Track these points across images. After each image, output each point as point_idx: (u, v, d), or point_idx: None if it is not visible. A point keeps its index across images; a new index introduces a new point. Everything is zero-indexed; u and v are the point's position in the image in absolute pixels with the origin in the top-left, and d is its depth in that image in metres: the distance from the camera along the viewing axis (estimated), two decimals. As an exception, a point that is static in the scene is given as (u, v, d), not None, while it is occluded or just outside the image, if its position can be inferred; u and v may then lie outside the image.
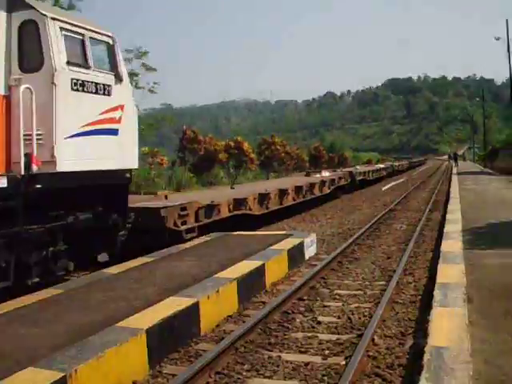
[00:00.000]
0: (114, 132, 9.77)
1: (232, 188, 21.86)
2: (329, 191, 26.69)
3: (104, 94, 9.47)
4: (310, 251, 12.46)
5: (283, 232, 14.63)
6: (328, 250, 13.23)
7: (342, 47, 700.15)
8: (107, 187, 9.72)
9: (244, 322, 7.66)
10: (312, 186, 23.89)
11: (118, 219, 10.28)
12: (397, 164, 65.76)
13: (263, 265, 9.65)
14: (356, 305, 8.54)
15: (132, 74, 40.59)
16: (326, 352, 6.55)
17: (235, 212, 15.74)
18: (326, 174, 30.28)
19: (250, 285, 8.99)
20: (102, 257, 10.92)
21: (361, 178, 35.65)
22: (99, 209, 9.85)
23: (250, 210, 16.85)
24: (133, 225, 11.02)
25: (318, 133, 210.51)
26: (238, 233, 13.79)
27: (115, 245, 10.41)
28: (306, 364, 6.19)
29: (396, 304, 8.41)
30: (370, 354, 6.33)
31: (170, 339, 6.58)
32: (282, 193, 19.95)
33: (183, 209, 12.97)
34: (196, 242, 12.60)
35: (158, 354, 6.27)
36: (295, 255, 11.42)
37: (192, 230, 13.27)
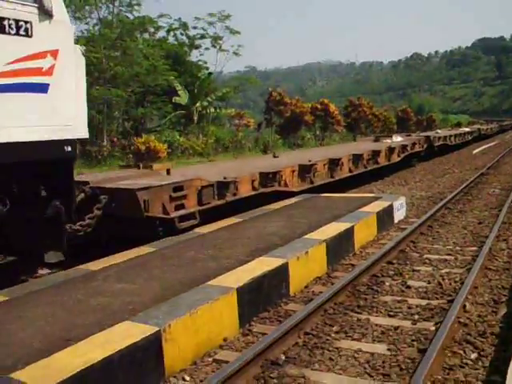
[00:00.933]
0: (40, 88, 6.81)
1: (275, 157, 18.52)
2: (399, 159, 23.09)
3: (17, 33, 6.40)
4: (399, 214, 12.28)
5: (372, 195, 14.49)
6: (418, 214, 13.01)
7: (429, 6, 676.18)
8: (34, 166, 6.94)
9: (333, 284, 7.66)
10: (376, 153, 20.47)
11: (60, 207, 7.44)
12: (485, 128, 59.41)
13: (352, 227, 9.58)
14: (447, 270, 8.37)
15: (216, 38, 41.01)
16: (416, 317, 6.47)
17: (262, 190, 12.57)
18: (397, 138, 27.04)
19: (339, 247, 8.97)
20: (50, 257, 8.30)
21: (440, 143, 31.71)
22: (26, 194, 7.20)
23: (286, 185, 13.82)
24: (105, 212, 8.80)
25: (405, 94, 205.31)
26: (326, 194, 13.73)
27: (61, 240, 7.66)
28: (396, 328, 6.14)
29: (489, 271, 8.19)
30: (461, 320, 6.20)
31: (259, 299, 6.65)
32: (334, 163, 16.53)
33: (177, 189, 9.93)
34: (284, 203, 12.62)
35: (248, 312, 6.37)
36: (384, 218, 11.29)
37: (191, 216, 10.13)
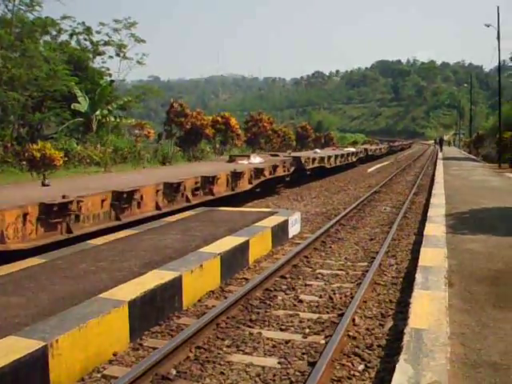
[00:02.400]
0: None
1: (45, 185, 12.70)
2: (250, 187, 18.11)
3: None
4: (293, 229, 12.49)
5: (268, 209, 14.64)
6: (312, 229, 13.28)
7: (333, 28, 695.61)
8: None
9: (226, 297, 7.69)
10: (210, 180, 15.14)
11: None
12: (373, 148, 54.86)
13: (247, 241, 9.67)
14: (338, 285, 8.60)
15: (120, 45, 40.51)
16: (307, 330, 6.61)
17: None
18: (255, 159, 21.31)
19: (234, 261, 9.02)
20: None
21: (314, 166, 26.57)
22: None
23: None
24: None
25: (305, 112, 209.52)
26: (223, 208, 13.82)
27: None
28: (287, 342, 6.24)
29: (377, 285, 8.47)
30: (350, 333, 6.39)
31: (152, 312, 6.59)
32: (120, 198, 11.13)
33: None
34: (181, 216, 12.57)
35: (139, 326, 6.29)
36: (279, 233, 11.46)
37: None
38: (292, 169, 22.91)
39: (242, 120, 55.29)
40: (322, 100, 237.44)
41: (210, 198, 15.22)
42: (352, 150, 41.13)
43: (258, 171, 19.04)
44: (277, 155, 25.28)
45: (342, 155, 34.44)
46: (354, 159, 38.83)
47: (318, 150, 34.21)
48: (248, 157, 22.04)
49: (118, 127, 40.39)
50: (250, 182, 18.26)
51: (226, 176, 16.49)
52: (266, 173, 19.71)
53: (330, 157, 30.46)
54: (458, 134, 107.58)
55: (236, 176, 17.00)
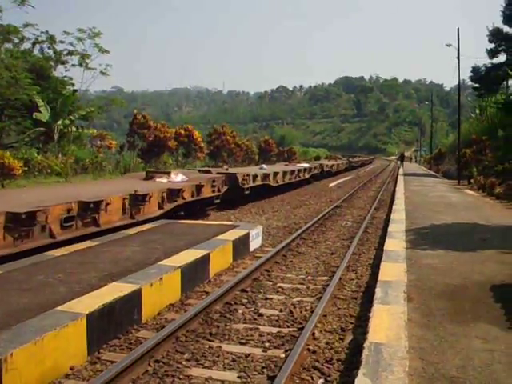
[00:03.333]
0: None
1: None
2: (160, 213, 14.43)
3: None
4: (255, 243, 12.49)
5: (229, 222, 14.60)
6: (273, 243, 13.29)
7: (297, 42, 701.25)
8: None
9: (186, 311, 7.64)
10: (86, 207, 11.19)
11: None
12: (330, 163, 49.45)
13: (208, 254, 9.62)
14: (298, 299, 8.60)
15: (84, 56, 40.22)
16: (267, 344, 6.59)
17: None
18: (177, 177, 17.88)
19: (194, 274, 8.96)
20: None
21: (256, 184, 22.92)
22: None
23: None
24: None
25: (268, 126, 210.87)
26: (183, 221, 13.77)
27: None
28: (247, 355, 6.22)
29: (338, 299, 8.50)
30: (310, 347, 6.40)
31: (110, 325, 6.51)
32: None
33: None
34: (142, 228, 12.47)
35: (97, 339, 6.20)
36: (240, 246, 11.44)
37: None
38: (224, 188, 19.65)
39: (205, 133, 55.23)
40: (285, 115, 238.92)
41: (94, 230, 11.44)
42: (305, 165, 37.34)
43: (174, 193, 15.30)
44: (208, 171, 21.97)
45: (293, 171, 30.81)
46: (307, 176, 35.02)
47: (264, 166, 29.89)
48: (168, 174, 18.25)
49: (79, 137, 39.98)
50: (161, 207, 14.59)
51: (122, 200, 12.67)
52: (186, 194, 16.20)
53: (276, 173, 26.76)
54: (419, 151, 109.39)
55: (138, 200, 13.25)
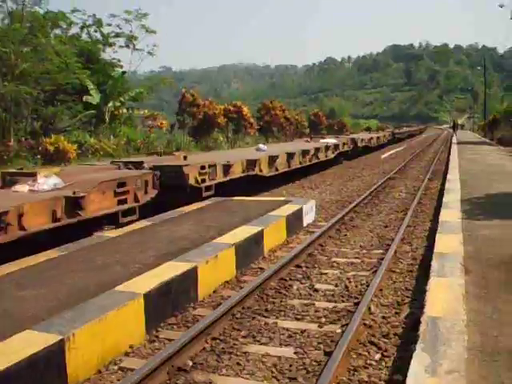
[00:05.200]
0: None
1: None
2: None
3: None
4: (308, 218, 12.45)
5: (282, 198, 14.58)
6: (327, 217, 13.24)
7: (344, 12, 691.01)
8: None
9: (241, 288, 7.69)
10: None
11: None
12: (365, 137, 39.18)
13: (262, 231, 9.64)
14: (353, 273, 8.56)
15: (131, 37, 40.43)
16: (323, 320, 6.58)
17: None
18: (46, 183, 10.40)
19: (249, 251, 9.00)
20: None
21: (226, 179, 15.40)
22: None
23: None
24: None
25: (317, 98, 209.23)
26: (237, 198, 13.77)
27: None
28: (302, 331, 6.23)
29: (393, 273, 8.43)
30: (366, 322, 6.36)
31: (167, 304, 6.60)
32: None
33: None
34: (196, 206, 12.58)
35: (155, 318, 6.30)
36: (294, 222, 11.41)
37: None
38: (151, 193, 12.12)
39: (254, 108, 55.05)
40: (334, 86, 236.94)
41: None
42: (330, 141, 29.47)
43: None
44: (140, 164, 13.69)
45: (306, 152, 23.12)
46: (331, 155, 27.47)
47: (261, 146, 23.17)
48: (34, 177, 10.69)
49: (130, 119, 40.33)
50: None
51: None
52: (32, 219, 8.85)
53: (273, 158, 18.94)
54: (473, 118, 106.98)
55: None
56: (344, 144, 30.55)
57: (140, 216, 11.39)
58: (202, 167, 14.09)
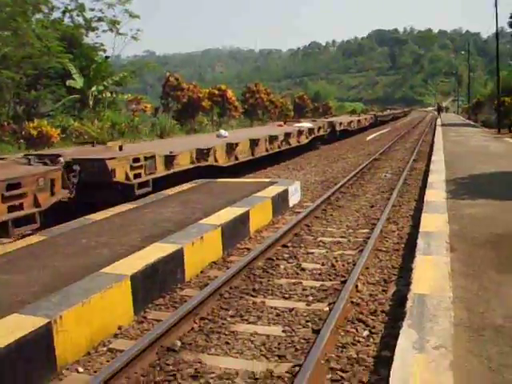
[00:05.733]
0: None
1: None
2: None
3: None
4: (294, 199, 12.47)
5: (267, 179, 14.57)
6: (312, 198, 13.25)
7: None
8: None
9: (228, 268, 7.69)
10: None
11: None
12: (344, 121, 36.35)
13: (247, 212, 9.63)
14: (340, 252, 8.59)
15: (114, 22, 40.05)
16: (310, 298, 6.60)
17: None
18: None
19: (235, 231, 9.00)
20: None
21: (165, 173, 13.07)
22: None
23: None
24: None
25: (302, 82, 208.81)
26: (222, 180, 13.75)
27: None
28: (290, 310, 6.24)
29: (379, 252, 8.46)
30: (354, 300, 6.39)
31: (154, 285, 6.59)
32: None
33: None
34: (180, 188, 12.54)
35: (142, 299, 6.29)
36: (279, 202, 11.43)
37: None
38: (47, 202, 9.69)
39: (239, 92, 54.94)
40: (319, 70, 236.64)
41: None
42: (305, 125, 27.57)
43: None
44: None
45: (272, 138, 20.88)
46: (305, 140, 25.73)
47: (222, 132, 20.83)
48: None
49: (114, 103, 40.07)
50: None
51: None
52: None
53: (232, 145, 17.08)
54: (457, 101, 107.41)
55: None
56: (320, 128, 28.99)
57: (47, 224, 9.25)
58: (136, 160, 11.84)
